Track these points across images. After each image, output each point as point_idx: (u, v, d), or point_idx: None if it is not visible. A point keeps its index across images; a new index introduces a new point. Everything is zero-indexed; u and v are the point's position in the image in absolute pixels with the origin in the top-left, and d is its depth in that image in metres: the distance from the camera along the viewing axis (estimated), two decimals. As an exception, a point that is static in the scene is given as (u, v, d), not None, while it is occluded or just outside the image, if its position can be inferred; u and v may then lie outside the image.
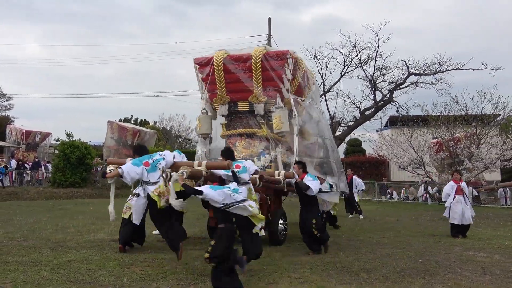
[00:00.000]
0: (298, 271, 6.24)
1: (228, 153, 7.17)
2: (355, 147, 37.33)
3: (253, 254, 6.05)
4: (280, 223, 8.43)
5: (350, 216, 14.22)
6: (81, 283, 5.42)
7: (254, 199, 6.51)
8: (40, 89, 75.30)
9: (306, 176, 7.63)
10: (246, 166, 6.95)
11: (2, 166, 21.79)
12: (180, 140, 46.10)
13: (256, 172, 7.25)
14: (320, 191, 7.88)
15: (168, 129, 45.99)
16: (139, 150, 6.94)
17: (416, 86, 24.62)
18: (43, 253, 7.20)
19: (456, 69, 23.30)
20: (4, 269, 6.00)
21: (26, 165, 23.84)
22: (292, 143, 8.77)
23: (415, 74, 24.40)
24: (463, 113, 19.78)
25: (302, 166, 7.82)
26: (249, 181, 6.77)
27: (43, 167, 23.91)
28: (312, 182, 7.49)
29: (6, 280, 5.45)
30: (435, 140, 21.50)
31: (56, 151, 26.46)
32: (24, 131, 27.77)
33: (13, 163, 23.47)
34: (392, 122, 31.38)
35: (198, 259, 6.88)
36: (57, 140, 29.77)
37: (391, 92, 24.60)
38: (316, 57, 24.82)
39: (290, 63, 8.59)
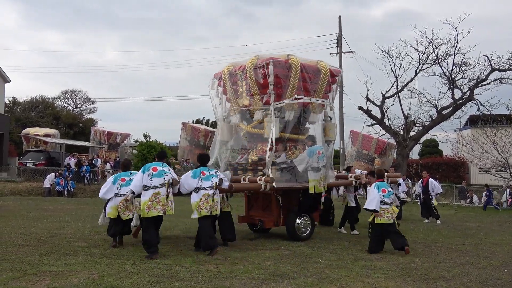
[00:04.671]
0: (372, 276, 6.07)
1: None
2: (431, 148, 35.72)
3: None
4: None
5: (427, 220, 13.59)
6: (160, 277, 5.69)
7: None
8: (119, 92, 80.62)
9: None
10: None
11: (87, 164, 23.52)
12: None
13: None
14: None
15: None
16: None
17: (500, 82, 22.77)
18: (125, 247, 7.68)
19: (546, 62, 21.31)
20: (91, 261, 6.49)
21: (108, 163, 25.53)
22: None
23: (499, 70, 22.59)
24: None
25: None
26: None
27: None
28: None
29: (93, 271, 5.89)
30: (522, 141, 19.89)
31: (134, 151, 28.09)
32: (106, 132, 29.76)
33: (99, 162, 25.26)
34: (473, 121, 29.44)
35: (270, 259, 6.96)
36: (136, 141, 31.61)
37: (471, 89, 22.99)
38: (389, 54, 23.93)
39: (337, 82, 9.88)
